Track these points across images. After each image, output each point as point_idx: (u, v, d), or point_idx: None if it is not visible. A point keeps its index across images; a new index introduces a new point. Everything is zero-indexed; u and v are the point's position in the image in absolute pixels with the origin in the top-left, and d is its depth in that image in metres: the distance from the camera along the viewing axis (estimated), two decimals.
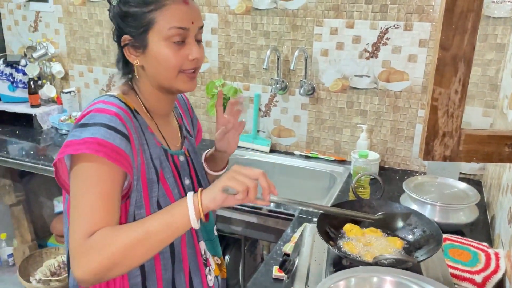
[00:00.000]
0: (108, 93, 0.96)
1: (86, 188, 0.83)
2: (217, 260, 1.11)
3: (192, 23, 0.91)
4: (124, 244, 0.80)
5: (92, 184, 0.83)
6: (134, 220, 0.90)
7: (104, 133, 0.83)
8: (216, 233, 1.14)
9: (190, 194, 0.85)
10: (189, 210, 0.83)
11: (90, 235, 0.81)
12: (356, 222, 1.00)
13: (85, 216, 0.82)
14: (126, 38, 0.92)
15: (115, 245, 0.80)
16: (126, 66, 0.98)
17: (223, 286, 1.15)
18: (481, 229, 1.45)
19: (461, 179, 1.66)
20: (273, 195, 0.86)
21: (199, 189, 0.87)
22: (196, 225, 0.84)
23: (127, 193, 0.90)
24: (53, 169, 0.89)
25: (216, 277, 1.09)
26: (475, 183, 1.77)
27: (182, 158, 1.03)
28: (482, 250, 1.20)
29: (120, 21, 0.92)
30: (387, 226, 0.99)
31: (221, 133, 1.09)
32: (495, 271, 1.11)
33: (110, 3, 0.95)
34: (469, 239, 1.26)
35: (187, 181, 1.02)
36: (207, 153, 1.17)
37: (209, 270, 1.07)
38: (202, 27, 0.95)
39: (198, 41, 0.95)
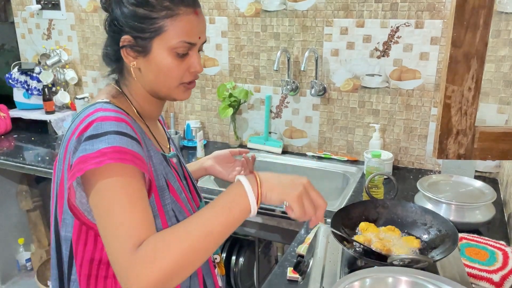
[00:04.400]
0: (99, 100, 0.88)
1: (118, 198, 0.75)
2: (216, 258, 1.08)
3: (199, 38, 0.88)
4: (183, 248, 0.72)
5: (123, 193, 0.75)
6: None
7: (120, 141, 0.76)
8: None
9: (245, 181, 0.78)
10: (250, 200, 0.76)
11: (137, 246, 0.72)
12: (370, 220, 1.00)
13: (126, 226, 0.74)
14: (126, 39, 0.86)
15: (173, 251, 0.71)
16: (115, 63, 0.93)
17: (223, 283, 1.12)
18: (498, 227, 1.43)
19: (476, 177, 1.64)
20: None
21: (255, 174, 0.79)
22: (255, 213, 0.78)
23: None
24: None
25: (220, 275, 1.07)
26: (491, 181, 1.75)
27: (175, 159, 0.99)
28: (499, 248, 1.18)
29: (122, 19, 0.85)
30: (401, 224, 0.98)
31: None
32: None
33: None
34: (486, 238, 1.24)
35: (184, 182, 0.99)
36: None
37: (217, 270, 1.05)
38: (205, 41, 0.93)
39: (198, 52, 0.92)
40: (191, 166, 1.20)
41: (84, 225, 0.85)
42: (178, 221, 0.88)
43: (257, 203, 0.77)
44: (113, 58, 0.92)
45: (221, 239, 0.77)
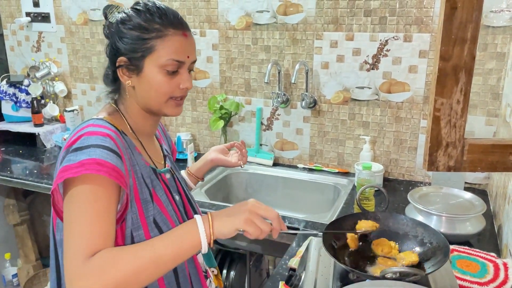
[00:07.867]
0: (94, 116, 0.97)
1: (83, 207, 0.80)
2: (213, 271, 1.14)
3: (188, 57, 0.95)
4: (129, 269, 0.76)
5: (90, 203, 0.80)
6: (132, 242, 0.89)
7: (101, 153, 0.83)
8: None
9: (199, 220, 0.84)
10: (201, 237, 0.82)
11: (89, 257, 0.76)
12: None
13: (83, 236, 0.78)
14: (122, 59, 0.94)
15: (120, 270, 0.75)
16: (114, 83, 1.00)
17: None
18: (489, 239, 1.43)
19: (466, 188, 1.65)
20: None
21: (208, 214, 0.86)
22: (205, 250, 0.83)
23: (122, 215, 0.88)
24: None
25: (216, 287, 1.13)
26: (481, 192, 1.76)
27: (168, 175, 1.06)
28: (490, 260, 1.18)
29: (117, 41, 0.94)
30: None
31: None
32: (504, 282, 1.10)
33: (106, 18, 0.96)
34: (477, 250, 1.24)
35: (177, 197, 1.05)
36: (189, 169, 1.37)
37: (210, 281, 1.10)
38: (195, 61, 1.00)
39: (189, 71, 0.99)
40: (196, 164, 1.36)
41: None
42: (160, 231, 0.93)
43: (209, 241, 0.83)
44: (112, 79, 1.00)
45: (168, 267, 0.81)
